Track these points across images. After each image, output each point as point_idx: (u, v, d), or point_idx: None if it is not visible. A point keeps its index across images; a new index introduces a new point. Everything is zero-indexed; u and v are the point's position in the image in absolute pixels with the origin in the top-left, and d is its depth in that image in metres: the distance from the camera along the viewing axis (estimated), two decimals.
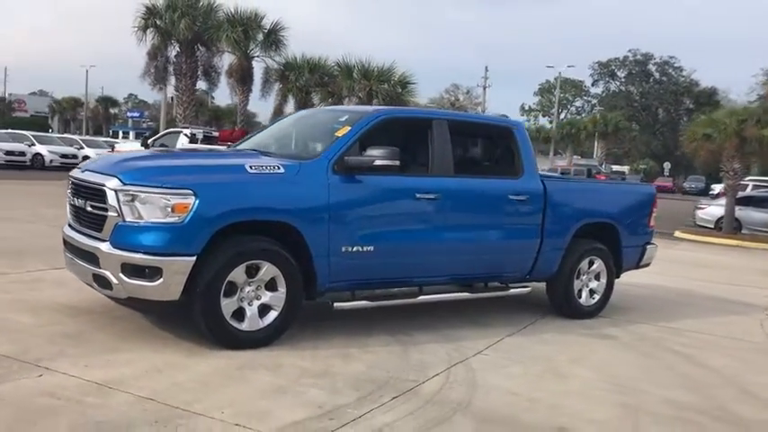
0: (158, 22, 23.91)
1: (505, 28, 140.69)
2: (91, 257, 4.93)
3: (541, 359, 5.47)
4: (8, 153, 26.13)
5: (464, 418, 4.07)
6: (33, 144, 28.11)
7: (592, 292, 7.18)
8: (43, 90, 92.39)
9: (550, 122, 65.19)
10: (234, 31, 22.94)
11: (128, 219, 4.72)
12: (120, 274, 4.72)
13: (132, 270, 4.69)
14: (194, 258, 4.73)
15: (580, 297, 7.07)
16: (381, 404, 4.15)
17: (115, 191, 4.77)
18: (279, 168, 5.20)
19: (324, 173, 5.30)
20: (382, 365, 4.93)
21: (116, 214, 4.75)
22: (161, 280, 4.66)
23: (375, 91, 20.74)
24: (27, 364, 4.30)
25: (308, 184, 5.23)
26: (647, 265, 7.93)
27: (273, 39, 23.88)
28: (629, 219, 7.48)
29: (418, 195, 5.76)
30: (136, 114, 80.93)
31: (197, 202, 4.71)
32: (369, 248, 5.49)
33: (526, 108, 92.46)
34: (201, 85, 25.40)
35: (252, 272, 5.02)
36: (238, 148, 6.60)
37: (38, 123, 67.15)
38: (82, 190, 5.18)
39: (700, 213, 21.74)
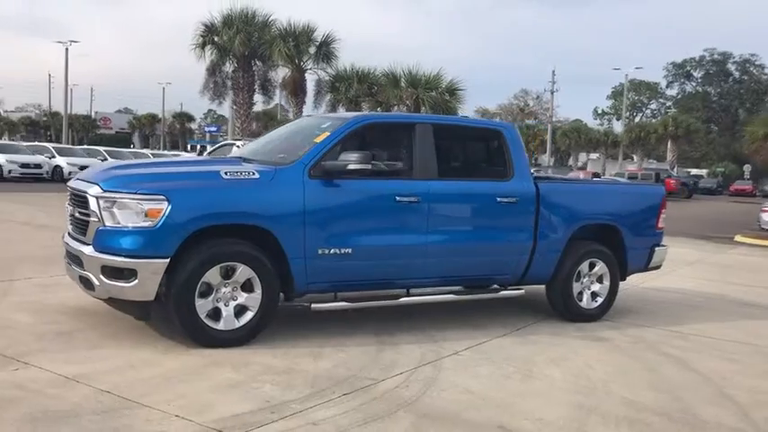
0: (216, 39, 24.78)
1: (576, 30, 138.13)
2: (78, 260, 5.27)
3: (519, 360, 5.47)
4: (23, 165, 25.69)
5: (406, 414, 4.14)
6: (54, 156, 27.63)
7: (594, 294, 7.08)
8: (128, 108, 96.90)
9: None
10: (286, 45, 23.53)
11: (107, 223, 5.02)
12: (101, 276, 5.02)
13: (111, 272, 4.99)
14: (167, 260, 4.98)
15: (581, 300, 6.99)
16: (329, 400, 4.27)
17: (96, 197, 5.09)
18: (254, 174, 5.41)
19: (299, 178, 5.48)
20: (350, 364, 5.05)
21: (97, 219, 5.07)
22: (136, 281, 4.94)
23: (422, 99, 20.83)
24: (8, 359, 4.64)
25: (282, 189, 5.42)
26: (657, 267, 7.75)
27: (325, 51, 24.38)
28: (634, 220, 7.34)
29: (398, 198, 5.85)
30: (213, 129, 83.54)
31: (169, 207, 4.97)
32: (347, 251, 5.63)
33: (599, 111, 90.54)
34: (258, 98, 26.09)
35: (227, 273, 5.24)
36: (228, 156, 6.86)
37: (121, 139, 70.50)
38: (73, 197, 5.54)
39: (764, 216, 20.81)
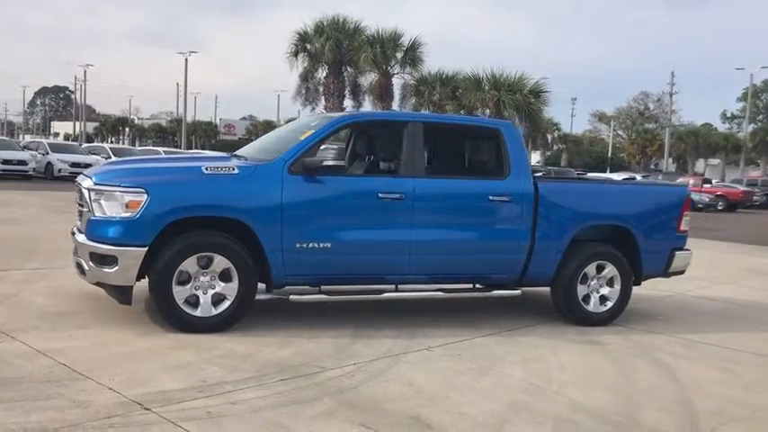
0: (308, 47, 25.61)
1: (701, 29, 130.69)
2: (76, 249, 5.76)
3: (487, 358, 5.42)
4: (5, 162, 24.28)
5: (329, 400, 4.26)
6: (47, 153, 26.97)
7: (603, 298, 6.86)
8: (252, 115, 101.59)
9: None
10: (372, 50, 23.98)
11: (96, 214, 5.47)
12: (90, 262, 5.47)
13: (97, 258, 5.42)
14: (145, 249, 5.35)
15: (587, 303, 6.79)
16: (262, 384, 4.46)
17: (88, 189, 5.55)
18: (233, 170, 5.70)
19: (278, 174, 5.71)
20: (311, 353, 5.21)
21: (88, 210, 5.53)
22: (117, 267, 5.35)
23: (503, 101, 20.63)
24: (1, 334, 5.15)
25: (260, 184, 5.67)
26: (680, 272, 7.38)
27: (411, 56, 24.63)
28: (650, 222, 7.04)
29: (381, 195, 5.96)
30: None
31: (148, 199, 5.34)
32: (325, 245, 5.80)
33: (728, 115, 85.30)
34: (348, 103, 26.69)
35: (205, 263, 5.55)
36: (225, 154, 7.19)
37: (241, 144, 73.89)
38: (78, 192, 6.05)
39: None
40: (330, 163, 5.67)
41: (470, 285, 6.67)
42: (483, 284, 6.66)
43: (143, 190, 5.37)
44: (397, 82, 25.52)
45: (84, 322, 5.66)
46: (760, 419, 4.48)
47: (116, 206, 5.39)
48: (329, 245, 5.82)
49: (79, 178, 6.04)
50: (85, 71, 72.41)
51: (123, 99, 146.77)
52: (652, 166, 65.66)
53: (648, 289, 8.40)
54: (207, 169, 5.67)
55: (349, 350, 5.40)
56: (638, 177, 34.76)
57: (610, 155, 66.74)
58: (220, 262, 5.55)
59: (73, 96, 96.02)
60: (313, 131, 6.03)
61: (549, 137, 62.38)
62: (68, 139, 62.38)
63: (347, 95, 26.32)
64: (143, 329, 5.52)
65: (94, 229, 5.47)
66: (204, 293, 5.57)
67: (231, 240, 5.59)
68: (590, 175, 27.30)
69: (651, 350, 6.03)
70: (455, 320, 6.56)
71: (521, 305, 7.42)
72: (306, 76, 26.12)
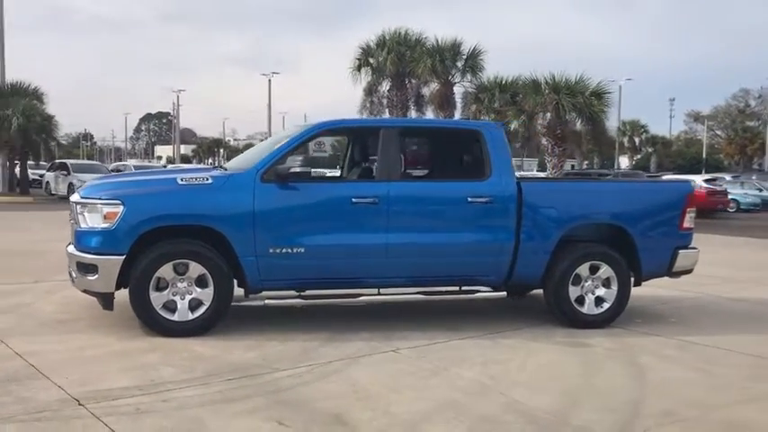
0: (371, 61, 26.00)
1: None
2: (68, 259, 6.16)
3: (451, 360, 5.39)
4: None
5: (261, 399, 4.39)
6: (69, 173, 28.18)
7: (600, 300, 6.66)
8: None
9: None
10: (432, 60, 24.07)
11: (81, 225, 5.84)
12: (76, 271, 5.85)
13: (81, 267, 5.79)
14: (123, 257, 5.67)
15: (581, 305, 6.61)
16: (205, 383, 4.64)
17: (75, 203, 5.94)
18: (207, 180, 5.96)
19: (250, 182, 5.91)
20: (274, 356, 5.36)
21: (75, 222, 5.91)
22: (97, 275, 5.69)
23: (562, 104, 20.21)
24: None
25: (232, 193, 5.89)
26: (686, 272, 7.06)
27: (471, 64, 24.55)
28: (649, 220, 6.79)
29: (355, 200, 6.06)
30: None
31: (124, 210, 5.67)
32: (299, 250, 5.96)
33: None
34: (412, 114, 26.82)
35: (182, 270, 5.81)
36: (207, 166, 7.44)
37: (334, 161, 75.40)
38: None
39: None
40: (297, 170, 5.81)
41: (456, 288, 6.61)
42: (470, 286, 6.59)
43: (119, 201, 5.69)
44: (458, 91, 25.54)
45: (77, 328, 6.04)
46: (701, 421, 4.25)
47: (97, 218, 5.74)
48: (303, 250, 5.96)
49: (72, 195, 6.46)
50: (178, 96, 75.90)
51: (222, 121, 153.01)
52: (755, 166, 62.23)
53: (677, 290, 8.33)
54: (182, 180, 5.95)
55: (315, 352, 5.51)
56: (727, 178, 33.12)
57: (704, 156, 63.70)
58: (195, 268, 5.80)
59: (175, 121, 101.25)
60: (286, 140, 6.21)
61: (637, 139, 60.38)
62: (170, 162, 65.64)
63: (411, 106, 26.50)
64: (127, 334, 5.82)
65: (80, 239, 5.85)
66: (182, 299, 5.83)
67: (205, 247, 5.82)
68: (665, 177, 26.26)
69: (636, 352, 5.81)
70: (442, 323, 6.54)
71: (517, 308, 7.33)
72: (370, 90, 26.51)
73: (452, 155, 6.83)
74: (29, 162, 29.69)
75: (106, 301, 5.89)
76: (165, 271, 5.77)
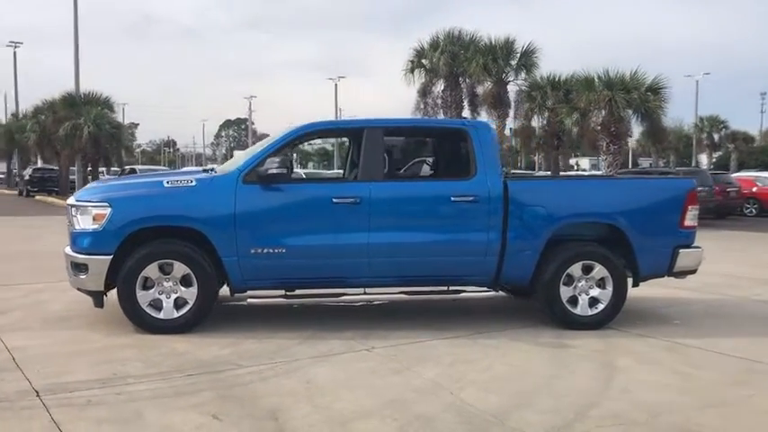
0: (425, 62, 26.00)
1: None
2: None
3: (418, 359, 5.36)
4: None
5: (209, 394, 4.50)
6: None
7: (594, 300, 6.48)
8: None
9: None
10: (484, 59, 23.84)
11: (75, 227, 6.13)
12: (71, 270, 6.15)
13: (74, 266, 6.08)
14: (110, 257, 5.92)
15: (574, 306, 6.45)
16: (165, 378, 4.80)
17: (69, 206, 6.25)
18: (191, 182, 6.14)
19: (232, 184, 6.07)
20: (245, 353, 5.48)
21: (69, 224, 6.22)
22: (87, 274, 5.97)
23: (615, 100, 19.63)
24: None
25: (214, 195, 6.06)
26: (690, 271, 6.78)
27: (524, 62, 24.18)
28: (646, 219, 6.57)
29: (336, 200, 6.12)
30: None
31: (111, 211, 5.92)
32: (280, 250, 6.07)
33: None
34: (466, 114, 26.62)
35: (167, 269, 6.02)
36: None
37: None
38: None
39: None
40: (274, 171, 5.91)
41: (444, 288, 6.58)
42: (458, 286, 6.55)
43: (107, 204, 5.96)
44: (513, 89, 25.20)
45: (72, 325, 6.34)
46: (647, 425, 4.08)
47: (88, 219, 6.02)
48: (284, 250, 6.06)
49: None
50: (250, 102, 78.08)
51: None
52: None
53: (699, 292, 8.22)
54: (168, 183, 6.16)
55: (288, 350, 5.61)
56: None
57: None
58: (180, 268, 6.00)
59: (253, 126, 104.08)
60: (270, 142, 6.34)
61: (717, 136, 57.77)
62: None
63: (465, 106, 26.31)
64: (117, 331, 6.06)
65: (74, 240, 6.14)
66: (168, 297, 6.04)
67: (189, 248, 6.01)
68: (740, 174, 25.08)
69: (618, 354, 5.64)
70: (430, 323, 6.53)
71: (517, 309, 7.24)
72: (424, 91, 26.45)
73: (438, 154, 6.80)
74: (101, 168, 31.17)
75: (97, 299, 6.16)
76: (151, 270, 5.98)
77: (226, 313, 6.63)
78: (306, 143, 7.75)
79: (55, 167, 36.23)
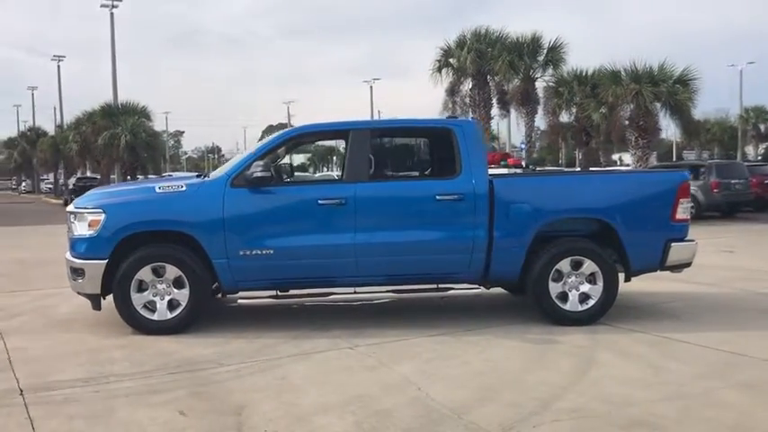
0: (452, 61, 25.97)
1: None
2: None
3: (400, 357, 5.43)
4: None
5: (182, 391, 4.66)
6: None
7: (585, 296, 6.46)
8: None
9: None
10: (510, 56, 23.71)
11: (74, 233, 6.38)
12: (70, 274, 6.40)
13: (73, 271, 6.33)
14: (105, 261, 6.15)
15: (564, 301, 6.44)
16: (146, 377, 4.99)
17: (68, 213, 6.50)
18: (182, 187, 6.34)
19: (221, 188, 6.24)
20: (230, 352, 5.63)
21: (69, 230, 6.47)
22: (84, 278, 6.21)
23: (642, 93, 19.31)
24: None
25: (203, 199, 6.24)
26: (684, 265, 6.69)
27: (551, 57, 23.95)
28: (636, 213, 6.52)
29: (322, 202, 6.24)
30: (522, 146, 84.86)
31: (105, 217, 6.15)
32: (268, 251, 6.21)
33: None
34: (495, 112, 26.53)
35: (160, 272, 6.22)
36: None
37: None
38: None
39: None
40: (258, 174, 6.05)
41: (433, 286, 6.62)
42: (447, 284, 6.59)
43: (101, 210, 6.19)
44: (541, 86, 24.97)
45: (74, 327, 6.58)
46: (606, 417, 4.07)
47: (84, 225, 6.26)
48: (272, 251, 6.20)
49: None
50: (288, 107, 78.53)
51: None
52: None
53: (718, 287, 8.21)
54: (159, 189, 6.36)
55: (272, 348, 5.75)
56: None
57: None
58: (172, 271, 6.19)
59: None
60: (257, 147, 6.49)
61: (763, 126, 56.08)
62: None
63: (494, 104, 26.18)
64: (113, 333, 6.27)
65: (73, 246, 6.39)
66: (161, 299, 6.24)
67: (180, 251, 6.20)
68: None
69: (601, 349, 5.64)
70: (421, 321, 6.60)
71: (513, 305, 7.26)
72: (452, 90, 26.38)
73: (423, 154, 6.86)
74: (139, 176, 31.96)
75: (95, 302, 6.39)
76: (145, 273, 6.19)
77: (224, 314, 6.83)
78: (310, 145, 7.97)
79: (97, 176, 37.27)
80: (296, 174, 10.04)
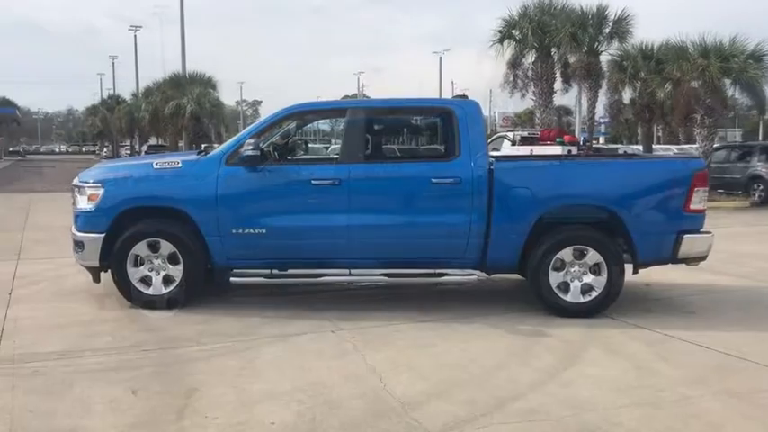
0: (514, 33, 25.17)
1: None
2: None
3: (377, 344, 5.33)
4: None
5: (148, 369, 4.72)
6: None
7: (588, 287, 6.17)
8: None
9: None
10: (573, 27, 22.77)
11: (77, 207, 6.53)
12: (73, 247, 6.56)
13: (75, 244, 6.49)
14: (103, 235, 6.26)
15: (566, 292, 6.17)
16: (120, 353, 5.07)
17: (72, 187, 6.64)
18: (177, 164, 6.36)
19: (215, 166, 6.24)
20: (212, 331, 5.63)
21: (73, 204, 6.62)
22: (84, 251, 6.35)
23: (709, 70, 18.24)
24: (12, 301, 6.47)
25: (198, 176, 6.25)
26: (699, 258, 6.29)
27: (616, 29, 22.85)
28: (645, 201, 6.16)
29: (315, 182, 6.16)
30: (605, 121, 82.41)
31: (103, 192, 6.26)
32: (260, 230, 6.19)
33: None
34: (558, 86, 25.58)
35: (156, 248, 6.30)
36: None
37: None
38: None
39: None
40: (249, 153, 6.00)
41: (426, 270, 6.45)
42: (443, 269, 6.41)
43: (100, 185, 6.29)
44: (605, 59, 23.90)
45: (77, 299, 6.72)
46: (562, 421, 3.87)
47: (84, 199, 6.39)
48: (264, 230, 6.17)
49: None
50: (359, 78, 78.88)
51: None
52: None
53: (751, 280, 7.86)
54: (156, 165, 6.41)
55: (254, 329, 5.74)
56: None
57: None
58: (166, 246, 6.25)
59: None
60: (254, 124, 6.43)
61: None
62: None
63: (558, 78, 25.26)
64: (111, 306, 6.41)
65: (75, 219, 6.54)
66: (157, 274, 6.32)
67: (174, 227, 6.25)
68: None
69: (592, 345, 5.38)
70: (416, 307, 6.47)
71: (519, 293, 7.03)
72: (514, 63, 25.55)
73: (421, 135, 6.66)
74: (203, 144, 32.72)
75: (94, 274, 6.53)
76: (141, 249, 6.27)
77: (233, 292, 6.83)
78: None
79: (166, 144, 38.38)
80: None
